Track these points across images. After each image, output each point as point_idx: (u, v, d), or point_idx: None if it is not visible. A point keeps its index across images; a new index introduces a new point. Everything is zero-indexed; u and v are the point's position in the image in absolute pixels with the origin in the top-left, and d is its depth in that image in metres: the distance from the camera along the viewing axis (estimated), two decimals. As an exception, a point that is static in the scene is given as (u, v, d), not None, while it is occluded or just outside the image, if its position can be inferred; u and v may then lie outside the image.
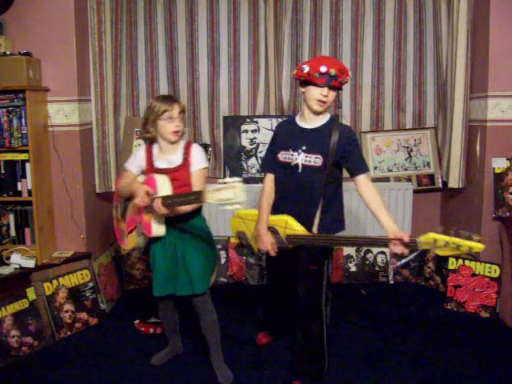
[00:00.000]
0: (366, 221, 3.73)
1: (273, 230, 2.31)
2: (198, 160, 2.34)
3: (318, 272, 2.27)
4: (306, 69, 2.11)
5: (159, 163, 2.36)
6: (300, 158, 2.20)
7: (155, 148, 2.40)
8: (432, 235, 1.89)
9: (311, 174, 2.19)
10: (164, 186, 2.24)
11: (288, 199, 2.28)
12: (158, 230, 2.29)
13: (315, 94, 2.12)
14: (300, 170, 2.20)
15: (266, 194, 2.36)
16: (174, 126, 2.29)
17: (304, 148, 2.20)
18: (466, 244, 1.82)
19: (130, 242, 2.43)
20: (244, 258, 3.68)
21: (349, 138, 2.19)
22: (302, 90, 2.20)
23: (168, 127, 2.29)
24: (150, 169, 2.37)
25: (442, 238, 1.86)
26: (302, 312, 2.32)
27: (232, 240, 3.66)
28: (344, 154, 2.16)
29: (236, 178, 1.87)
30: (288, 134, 2.28)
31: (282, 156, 2.26)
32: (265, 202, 2.35)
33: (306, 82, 2.15)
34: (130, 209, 2.43)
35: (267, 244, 2.31)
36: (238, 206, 1.87)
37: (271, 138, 2.42)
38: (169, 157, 2.35)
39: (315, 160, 2.17)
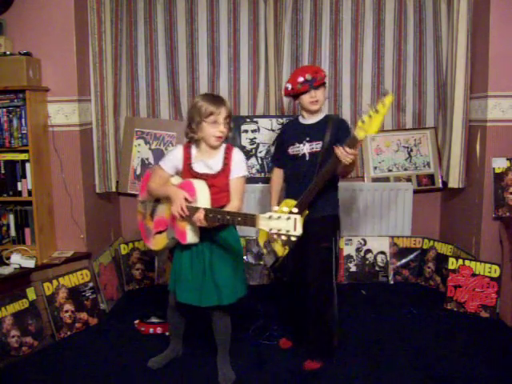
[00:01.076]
0: (366, 222, 3.74)
1: None
2: (239, 167, 2.27)
3: (328, 249, 2.48)
4: (289, 86, 2.51)
5: (197, 166, 2.27)
6: (305, 148, 2.52)
7: (193, 148, 2.30)
8: (359, 122, 2.19)
9: (315, 158, 2.49)
10: (203, 195, 2.16)
11: (299, 183, 2.52)
12: (193, 238, 2.22)
13: (307, 99, 2.49)
14: (307, 158, 2.52)
15: (273, 184, 2.75)
16: (218, 131, 2.21)
17: (308, 139, 2.53)
18: (381, 105, 2.17)
19: (159, 243, 2.36)
20: (244, 258, 3.68)
21: (341, 126, 2.53)
22: (297, 101, 2.57)
23: (212, 132, 2.20)
24: (187, 171, 2.28)
25: (366, 116, 2.19)
26: (314, 290, 2.48)
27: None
28: (336, 139, 2.43)
29: (294, 209, 1.87)
30: (293, 131, 2.61)
31: (291, 150, 2.58)
32: (272, 190, 2.73)
33: (295, 95, 2.53)
34: (160, 210, 2.36)
35: None
36: (293, 239, 1.81)
37: (279, 136, 2.78)
38: (208, 161, 2.26)
39: (316, 146, 2.50)
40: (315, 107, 2.50)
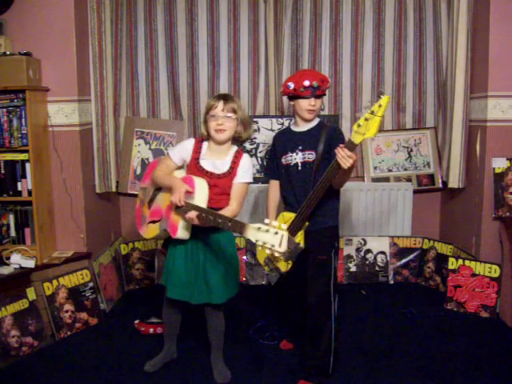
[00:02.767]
0: (366, 222, 3.74)
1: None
2: (245, 173, 2.27)
3: (326, 262, 2.37)
4: (292, 85, 2.36)
5: (205, 163, 2.27)
6: (298, 157, 2.41)
7: (205, 145, 2.31)
8: (354, 126, 2.04)
9: (309, 168, 2.39)
10: (201, 194, 2.15)
11: (293, 193, 2.45)
12: (183, 233, 2.22)
13: (304, 105, 2.37)
14: (300, 168, 2.41)
15: (269, 198, 2.60)
16: (216, 124, 2.22)
17: (300, 148, 2.42)
18: (377, 106, 1.98)
19: (150, 232, 2.36)
20: (244, 258, 3.69)
21: (335, 135, 2.39)
22: (292, 103, 2.44)
23: (211, 125, 2.23)
24: (194, 165, 2.27)
25: (361, 118, 2.03)
26: (312, 304, 2.38)
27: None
28: (330, 147, 2.32)
29: (283, 225, 1.78)
30: (285, 140, 2.50)
31: (284, 159, 2.46)
32: (270, 205, 2.60)
33: (293, 96, 2.40)
34: (159, 199, 2.35)
35: None
36: (277, 255, 1.78)
37: (270, 148, 2.64)
38: (216, 160, 2.27)
39: (309, 156, 2.39)
40: (310, 117, 2.40)
